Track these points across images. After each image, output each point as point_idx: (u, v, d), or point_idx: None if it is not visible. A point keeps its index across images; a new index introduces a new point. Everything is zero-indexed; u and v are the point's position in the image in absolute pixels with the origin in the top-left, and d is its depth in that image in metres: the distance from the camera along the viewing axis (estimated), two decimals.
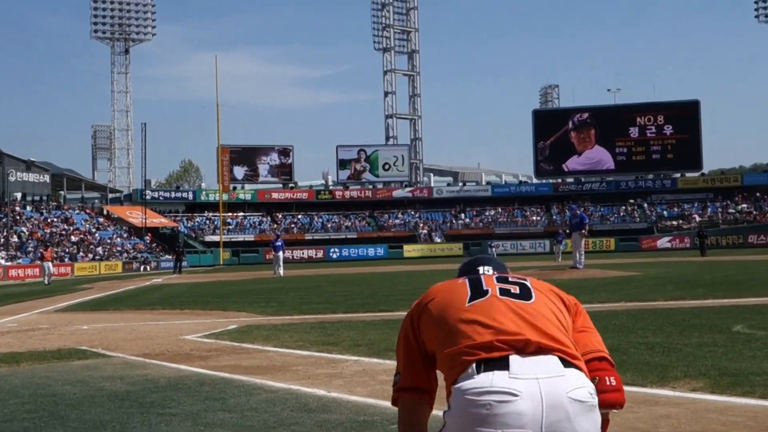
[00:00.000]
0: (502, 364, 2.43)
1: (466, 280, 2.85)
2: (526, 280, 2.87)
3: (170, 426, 6.01)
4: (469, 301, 2.69)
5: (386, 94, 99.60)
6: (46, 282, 40.27)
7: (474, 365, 2.45)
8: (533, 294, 2.75)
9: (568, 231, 36.61)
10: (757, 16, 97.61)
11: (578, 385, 2.44)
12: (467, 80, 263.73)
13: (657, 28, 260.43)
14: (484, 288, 2.74)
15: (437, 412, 2.65)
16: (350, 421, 5.97)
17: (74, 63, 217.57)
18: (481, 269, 3.09)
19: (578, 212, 32.54)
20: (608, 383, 2.71)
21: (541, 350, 2.48)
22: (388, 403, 6.51)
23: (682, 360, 7.90)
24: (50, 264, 42.69)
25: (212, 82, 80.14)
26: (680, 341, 9.22)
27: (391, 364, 8.61)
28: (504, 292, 2.72)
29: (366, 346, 9.99)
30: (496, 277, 2.87)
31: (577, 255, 29.06)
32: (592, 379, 2.61)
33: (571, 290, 13.02)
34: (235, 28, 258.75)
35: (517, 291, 2.75)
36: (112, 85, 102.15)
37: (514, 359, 2.44)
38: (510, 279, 2.85)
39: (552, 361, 2.46)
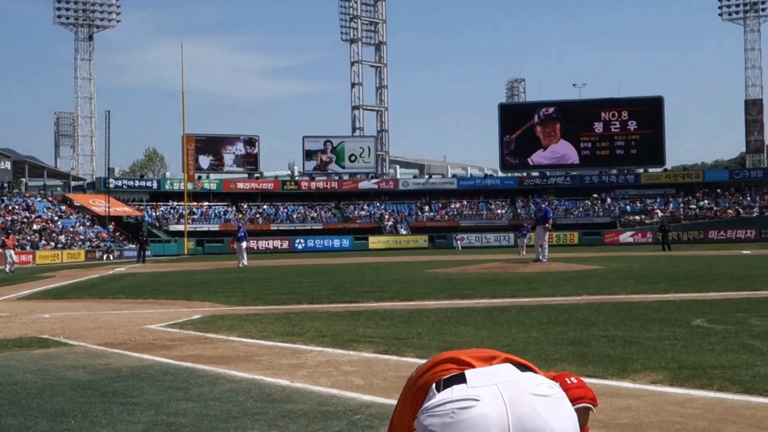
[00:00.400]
0: (459, 379, 2.43)
1: None
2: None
3: (132, 415, 5.99)
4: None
5: (353, 85, 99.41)
6: (7, 270, 39.76)
7: (433, 386, 2.47)
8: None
9: (532, 224, 36.85)
10: (720, 14, 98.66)
11: (538, 381, 2.41)
12: (434, 73, 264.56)
13: (622, 24, 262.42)
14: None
15: None
16: (314, 411, 5.99)
17: (37, 48, 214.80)
18: None
19: (543, 206, 32.79)
20: (569, 382, 2.65)
21: (492, 361, 2.50)
22: (351, 394, 6.56)
23: (642, 353, 8.00)
24: (12, 252, 42.15)
25: (178, 70, 79.99)
26: (641, 334, 9.33)
27: (355, 355, 8.64)
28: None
29: (330, 337, 10.00)
30: None
31: (539, 248, 29.27)
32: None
33: (534, 283, 13.16)
34: (202, 15, 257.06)
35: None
36: (76, 71, 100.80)
37: (470, 372, 2.45)
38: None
39: (506, 366, 2.45)
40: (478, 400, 2.35)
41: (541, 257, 28.59)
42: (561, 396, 2.44)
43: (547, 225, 29.64)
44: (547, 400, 2.39)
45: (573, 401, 2.55)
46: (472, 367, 2.55)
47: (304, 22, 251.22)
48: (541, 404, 2.36)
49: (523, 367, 2.51)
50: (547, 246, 29.72)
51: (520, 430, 2.31)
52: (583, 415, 2.57)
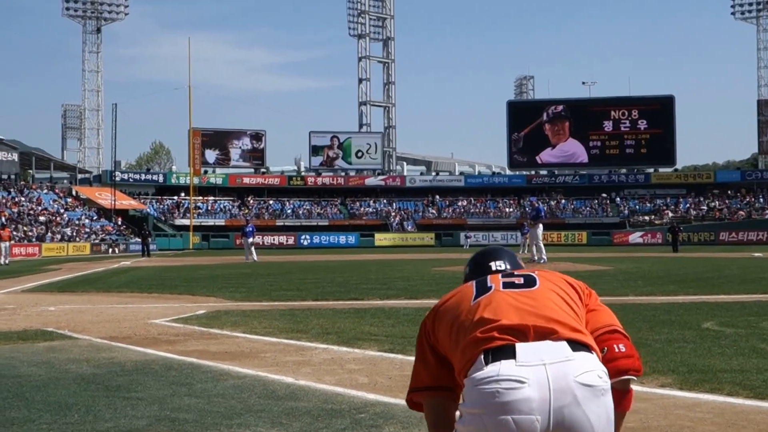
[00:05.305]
0: (509, 353, 2.46)
1: (473, 284, 2.87)
2: (533, 272, 2.90)
3: (136, 410, 5.95)
4: (474, 299, 2.72)
5: (360, 80, 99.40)
6: (3, 262, 39.70)
7: (482, 357, 2.49)
8: (538, 281, 2.77)
9: (528, 223, 36.62)
10: (733, 13, 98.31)
11: (587, 368, 2.45)
12: (442, 69, 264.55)
13: (634, 22, 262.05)
14: (488, 285, 2.77)
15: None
16: (318, 409, 5.94)
17: (45, 41, 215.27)
18: (493, 265, 3.11)
19: (536, 204, 32.54)
20: (617, 350, 2.74)
21: (547, 335, 2.49)
22: (356, 392, 6.51)
23: (651, 356, 7.92)
24: (8, 244, 41.92)
25: (185, 64, 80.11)
26: (650, 337, 9.26)
27: (360, 353, 8.59)
28: (507, 285, 2.75)
29: (335, 335, 9.95)
30: (502, 274, 2.89)
31: (534, 248, 28.94)
32: (601, 350, 2.64)
33: None
34: (210, 10, 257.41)
35: (521, 281, 2.77)
36: (83, 64, 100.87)
37: (521, 347, 2.47)
38: (516, 273, 2.87)
39: (560, 345, 2.48)
40: (524, 383, 2.39)
41: (535, 258, 28.20)
42: (605, 388, 2.48)
43: (531, 221, 29.37)
44: (591, 392, 2.43)
45: (619, 372, 2.55)
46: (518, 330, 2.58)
47: (311, 17, 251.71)
48: (584, 395, 2.41)
49: (576, 345, 2.49)
50: (543, 246, 29.28)
51: (558, 419, 2.39)
52: (626, 383, 2.65)
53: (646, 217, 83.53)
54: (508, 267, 3.09)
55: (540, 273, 2.87)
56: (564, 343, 2.47)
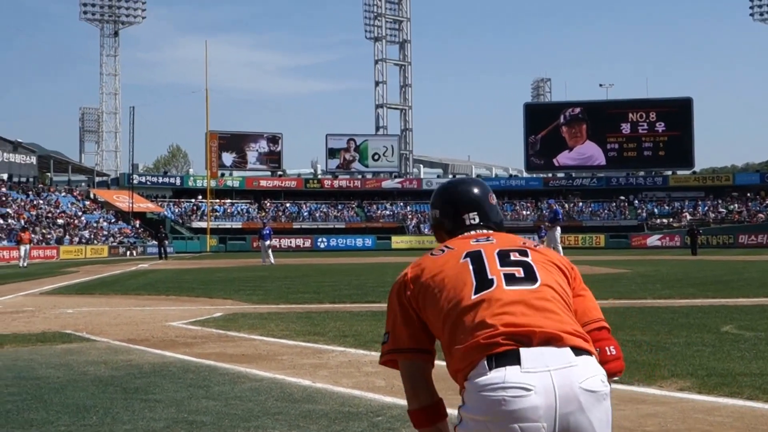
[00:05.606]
0: (514, 359, 2.44)
1: (469, 263, 2.76)
2: (527, 254, 2.82)
3: (154, 412, 5.97)
4: (475, 293, 2.64)
5: (377, 83, 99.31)
6: (22, 264, 39.87)
7: (485, 361, 2.46)
8: (537, 276, 2.71)
9: (547, 225, 36.45)
10: (752, 14, 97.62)
11: (590, 374, 2.46)
12: (459, 71, 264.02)
13: (651, 23, 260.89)
14: (489, 277, 2.68)
15: (452, 410, 2.61)
16: (335, 412, 5.94)
17: (63, 44, 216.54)
18: (467, 218, 3.05)
19: (554, 206, 32.46)
20: (609, 353, 2.79)
21: (550, 341, 2.47)
22: (373, 395, 6.50)
23: (669, 359, 7.88)
24: (28, 247, 42.18)
25: (202, 67, 79.90)
26: (668, 340, 9.21)
27: (377, 356, 8.56)
28: (509, 279, 2.67)
29: (352, 337, 9.95)
30: (498, 254, 2.78)
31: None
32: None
33: None
34: (226, 13, 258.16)
35: (522, 274, 2.70)
36: (101, 67, 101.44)
37: (525, 352, 2.45)
38: (512, 258, 2.77)
39: (563, 351, 2.46)
40: (530, 390, 2.38)
41: None
42: (606, 392, 2.49)
43: (548, 224, 29.24)
44: (594, 397, 2.44)
45: (608, 376, 2.59)
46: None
47: (328, 20, 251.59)
48: (588, 401, 2.42)
49: (578, 350, 2.51)
50: (561, 249, 29.09)
51: (564, 426, 2.40)
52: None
53: (665, 220, 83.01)
54: (481, 222, 3.04)
55: (534, 257, 2.79)
56: (567, 349, 2.48)
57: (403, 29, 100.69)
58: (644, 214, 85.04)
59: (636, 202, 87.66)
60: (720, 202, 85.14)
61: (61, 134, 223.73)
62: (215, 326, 11.61)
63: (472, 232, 3.00)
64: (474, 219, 3.05)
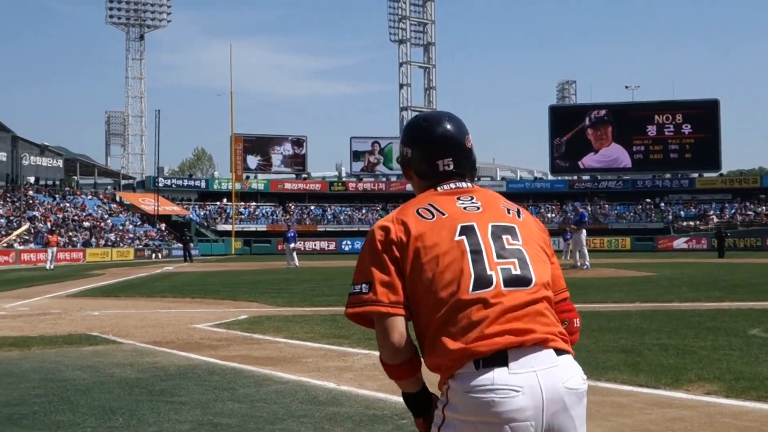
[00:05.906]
0: (501, 360, 2.44)
1: (466, 245, 2.62)
2: (517, 236, 2.70)
3: (179, 414, 6.00)
4: (473, 289, 2.54)
5: (401, 86, 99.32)
6: (48, 267, 40.20)
7: (472, 362, 2.44)
8: (532, 272, 2.62)
9: (572, 228, 36.25)
10: None
11: (572, 373, 2.50)
12: (483, 74, 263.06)
13: (677, 25, 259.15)
14: (488, 272, 2.57)
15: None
16: (359, 414, 5.94)
17: (89, 48, 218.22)
18: (440, 164, 2.84)
19: (579, 209, 32.23)
20: (576, 325, 2.82)
21: (538, 343, 2.49)
22: (398, 398, 6.47)
23: (696, 363, 7.82)
24: (55, 249, 42.50)
25: (227, 70, 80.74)
26: (695, 344, 9.13)
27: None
28: (507, 279, 2.57)
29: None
30: (492, 235, 2.66)
31: (578, 254, 28.67)
32: (562, 322, 2.66)
33: (584, 289, 12.88)
34: (252, 16, 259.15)
35: (517, 269, 2.60)
36: (127, 71, 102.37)
37: (512, 354, 2.45)
38: (507, 246, 2.65)
39: (547, 352, 2.49)
40: (518, 392, 2.42)
41: (578, 263, 27.93)
42: (585, 389, 2.54)
43: (573, 227, 29.06)
44: (576, 395, 2.50)
45: (572, 344, 2.64)
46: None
47: (352, 23, 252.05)
48: (571, 400, 2.48)
49: (558, 351, 2.54)
50: (587, 252, 28.87)
51: (549, 425, 2.44)
52: None
53: (691, 223, 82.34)
54: (455, 169, 2.84)
55: (524, 239, 2.69)
56: (551, 350, 2.50)
57: (427, 32, 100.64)
58: (670, 217, 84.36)
59: (662, 204, 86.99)
60: (747, 204, 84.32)
61: (88, 137, 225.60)
62: (240, 329, 11.65)
63: (452, 186, 2.81)
64: (449, 166, 2.84)
